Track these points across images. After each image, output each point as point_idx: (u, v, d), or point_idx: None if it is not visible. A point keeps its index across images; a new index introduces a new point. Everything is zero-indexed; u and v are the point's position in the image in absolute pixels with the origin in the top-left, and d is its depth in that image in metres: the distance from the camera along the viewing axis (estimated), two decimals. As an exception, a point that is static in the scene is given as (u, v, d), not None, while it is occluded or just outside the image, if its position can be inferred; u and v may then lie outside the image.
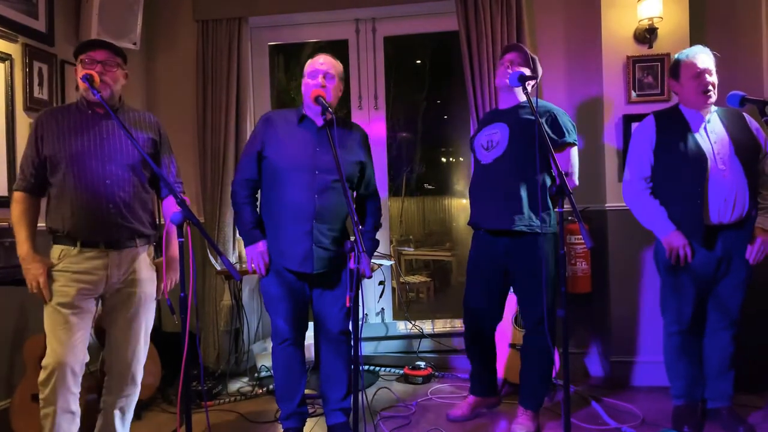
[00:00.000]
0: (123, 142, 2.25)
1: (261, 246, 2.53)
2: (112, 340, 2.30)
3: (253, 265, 2.54)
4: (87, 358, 2.23)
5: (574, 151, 2.74)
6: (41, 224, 2.25)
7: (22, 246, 2.16)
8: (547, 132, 2.58)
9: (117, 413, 2.32)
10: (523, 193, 2.62)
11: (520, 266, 2.69)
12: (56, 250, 2.21)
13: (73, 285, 2.16)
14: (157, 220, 2.47)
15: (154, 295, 2.36)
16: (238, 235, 3.80)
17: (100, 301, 2.28)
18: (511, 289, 2.85)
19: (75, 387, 2.18)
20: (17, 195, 2.22)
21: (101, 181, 2.19)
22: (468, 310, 2.90)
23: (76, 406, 2.20)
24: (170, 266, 2.38)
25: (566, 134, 2.68)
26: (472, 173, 2.93)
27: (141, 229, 2.29)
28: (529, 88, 2.39)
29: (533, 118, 2.54)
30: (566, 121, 2.72)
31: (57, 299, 2.15)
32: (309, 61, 2.55)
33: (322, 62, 2.52)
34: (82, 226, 2.17)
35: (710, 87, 2.61)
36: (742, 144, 2.61)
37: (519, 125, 2.67)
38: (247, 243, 2.54)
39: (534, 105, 2.30)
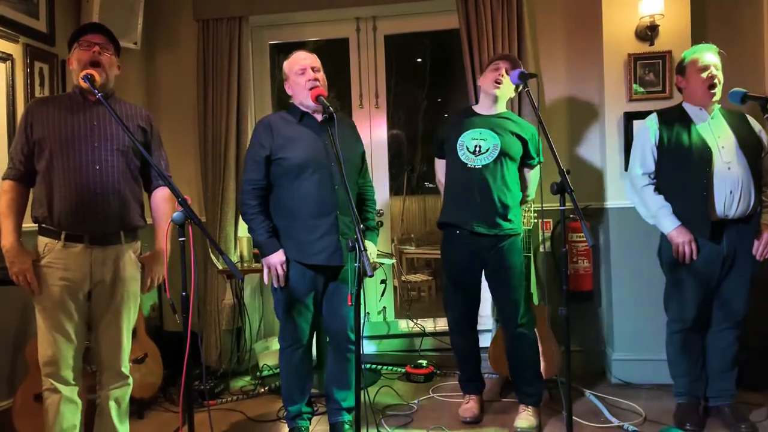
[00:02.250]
0: (114, 128, 2.24)
1: (281, 255, 2.50)
2: (98, 337, 2.29)
3: (270, 275, 2.51)
4: (80, 352, 2.24)
5: (538, 169, 2.94)
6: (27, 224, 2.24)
7: (8, 238, 2.14)
8: (529, 149, 2.83)
9: (113, 404, 2.31)
10: (510, 200, 2.76)
11: (500, 265, 2.76)
12: (41, 242, 2.19)
13: (58, 283, 2.15)
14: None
15: (139, 293, 2.35)
16: (239, 233, 3.80)
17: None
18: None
19: (75, 380, 2.20)
20: (6, 184, 2.19)
21: (90, 166, 2.17)
22: (455, 313, 2.93)
23: (78, 398, 2.22)
24: (155, 260, 2.37)
25: (538, 155, 2.87)
26: (449, 173, 2.91)
27: (130, 218, 2.27)
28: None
29: (520, 132, 2.81)
30: (539, 143, 2.88)
31: (44, 298, 2.14)
32: (289, 62, 2.59)
33: (305, 57, 2.56)
34: (68, 212, 2.14)
35: (716, 81, 2.63)
36: (746, 140, 2.62)
37: (508, 138, 2.79)
38: (266, 253, 2.51)
39: (535, 107, 2.35)
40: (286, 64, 2.60)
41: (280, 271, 2.50)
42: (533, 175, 2.91)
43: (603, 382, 3.41)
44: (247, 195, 2.54)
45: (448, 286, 2.95)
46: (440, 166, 3.02)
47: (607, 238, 3.41)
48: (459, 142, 2.83)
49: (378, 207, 4.06)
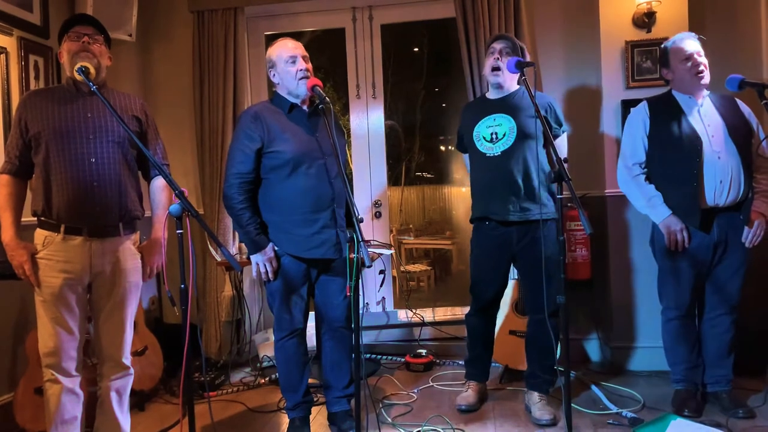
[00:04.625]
0: (108, 119, 2.24)
1: (269, 251, 2.47)
2: (99, 328, 2.30)
3: (261, 272, 2.48)
4: (80, 344, 2.24)
5: (565, 138, 2.86)
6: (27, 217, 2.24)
7: (6, 232, 2.15)
8: (549, 123, 2.71)
9: (114, 395, 2.33)
10: (536, 181, 2.68)
11: (535, 253, 2.67)
12: (40, 235, 2.19)
13: (58, 275, 2.16)
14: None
15: (140, 284, 2.36)
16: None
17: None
18: (515, 275, 2.88)
19: (76, 372, 2.21)
20: (3, 178, 2.20)
21: (86, 158, 2.17)
22: (480, 299, 2.89)
23: (79, 390, 2.23)
24: (152, 249, 2.38)
25: (563, 124, 2.81)
26: (472, 166, 2.89)
27: (129, 208, 2.27)
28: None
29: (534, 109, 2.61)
30: (559, 110, 2.82)
31: (44, 290, 2.15)
32: (275, 49, 2.53)
33: (294, 46, 2.52)
34: (66, 206, 2.15)
35: (702, 67, 2.62)
36: (736, 127, 2.62)
37: (524, 117, 2.70)
38: (254, 250, 2.46)
39: (532, 95, 2.32)
40: (272, 51, 2.55)
41: (270, 268, 2.48)
42: (560, 142, 2.78)
43: (601, 369, 3.43)
44: (233, 188, 2.47)
45: (476, 274, 2.89)
46: (467, 159, 3.01)
47: (605, 226, 3.42)
48: (475, 133, 2.79)
49: (376, 198, 4.08)
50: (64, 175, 2.15)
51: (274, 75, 2.56)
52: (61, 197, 2.15)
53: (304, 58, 2.50)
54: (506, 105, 2.77)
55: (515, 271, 3.02)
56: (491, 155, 2.73)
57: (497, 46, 2.76)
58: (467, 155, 2.97)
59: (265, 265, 2.47)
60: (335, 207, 2.50)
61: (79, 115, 2.21)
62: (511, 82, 2.79)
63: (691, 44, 2.67)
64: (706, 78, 2.64)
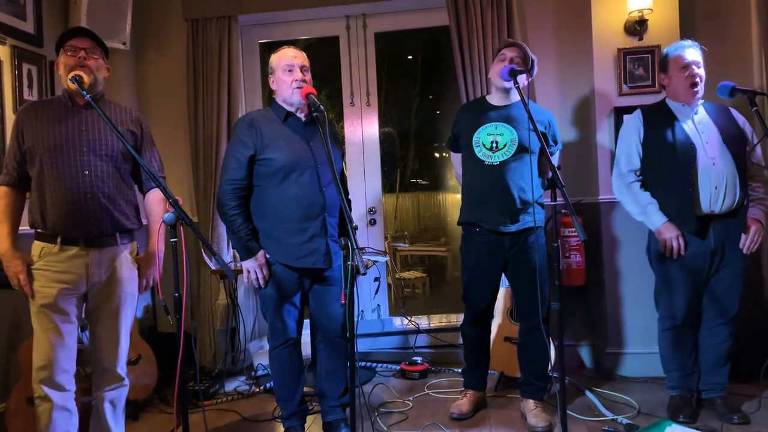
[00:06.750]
0: (103, 133, 2.24)
1: (261, 258, 2.47)
2: (95, 337, 2.29)
3: (251, 278, 2.48)
4: (75, 356, 2.23)
5: (557, 155, 2.94)
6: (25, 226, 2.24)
7: (2, 242, 2.15)
8: (547, 140, 2.74)
9: (108, 406, 2.31)
10: (529, 196, 2.70)
11: (525, 260, 2.71)
12: (37, 246, 2.20)
13: (54, 285, 2.15)
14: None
15: (136, 294, 2.36)
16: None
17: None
18: (506, 283, 2.88)
19: (68, 385, 2.19)
20: (0, 190, 2.21)
21: (79, 171, 2.18)
22: (473, 307, 2.89)
23: (72, 404, 2.21)
24: (149, 262, 2.38)
25: (558, 142, 2.85)
26: (467, 171, 2.88)
27: (123, 221, 2.27)
28: (521, 83, 2.45)
29: (536, 122, 2.57)
30: (557, 129, 2.85)
31: (39, 300, 2.15)
32: (277, 56, 2.53)
33: (295, 55, 2.51)
34: (60, 218, 2.15)
35: (697, 79, 2.64)
36: (730, 135, 2.64)
37: (525, 130, 2.69)
38: (246, 256, 2.47)
39: (526, 103, 2.34)
40: (273, 58, 2.55)
41: (261, 274, 2.48)
42: (553, 160, 2.75)
43: (597, 375, 3.43)
44: (227, 195, 2.48)
45: (468, 282, 2.89)
46: (456, 159, 2.98)
47: (599, 232, 3.43)
48: (474, 138, 2.76)
49: (371, 205, 4.08)
50: (57, 188, 2.15)
51: (272, 82, 2.56)
52: (55, 210, 2.16)
53: (302, 68, 2.49)
54: (509, 115, 2.75)
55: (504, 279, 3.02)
56: (489, 164, 2.72)
57: (508, 53, 2.74)
58: (458, 156, 2.94)
59: (255, 272, 2.47)
60: (326, 216, 2.49)
61: (74, 129, 2.21)
62: (511, 89, 2.77)
63: (692, 54, 2.68)
64: (700, 92, 2.66)
